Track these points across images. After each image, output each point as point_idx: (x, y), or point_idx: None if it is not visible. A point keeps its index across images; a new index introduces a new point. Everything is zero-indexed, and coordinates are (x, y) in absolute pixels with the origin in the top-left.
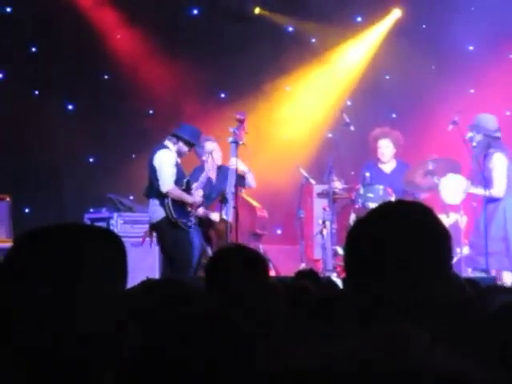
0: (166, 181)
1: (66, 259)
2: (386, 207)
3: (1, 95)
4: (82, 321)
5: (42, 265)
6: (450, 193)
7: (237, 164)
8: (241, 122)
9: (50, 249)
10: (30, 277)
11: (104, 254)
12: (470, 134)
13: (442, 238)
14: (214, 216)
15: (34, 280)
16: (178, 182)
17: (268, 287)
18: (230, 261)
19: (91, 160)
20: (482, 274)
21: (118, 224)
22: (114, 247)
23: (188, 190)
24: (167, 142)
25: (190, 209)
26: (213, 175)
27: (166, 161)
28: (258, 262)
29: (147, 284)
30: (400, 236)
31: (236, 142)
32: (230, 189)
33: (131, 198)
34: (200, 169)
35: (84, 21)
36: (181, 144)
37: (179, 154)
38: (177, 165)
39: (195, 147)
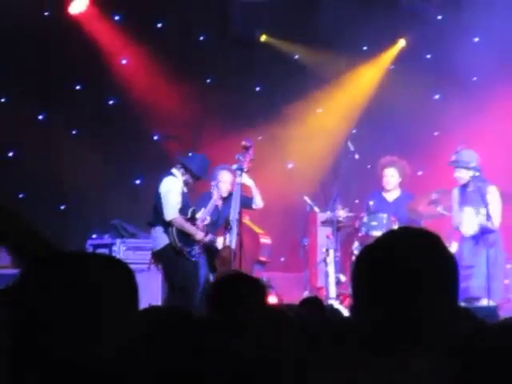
0: (171, 209)
1: (82, 290)
2: (393, 235)
3: (3, 119)
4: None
5: (53, 295)
6: (467, 224)
7: (241, 188)
8: (247, 148)
9: (64, 277)
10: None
11: (118, 285)
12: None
13: (451, 267)
14: (219, 242)
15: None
16: (183, 210)
17: (272, 314)
18: (228, 288)
19: (94, 187)
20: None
21: (121, 250)
22: (127, 277)
23: (193, 219)
24: (174, 170)
25: (192, 239)
26: (219, 202)
27: (171, 189)
28: (257, 289)
29: (150, 311)
30: (410, 264)
31: (241, 169)
32: (234, 215)
33: (135, 224)
34: (208, 195)
35: (91, 44)
36: (188, 175)
37: (185, 183)
38: (182, 193)
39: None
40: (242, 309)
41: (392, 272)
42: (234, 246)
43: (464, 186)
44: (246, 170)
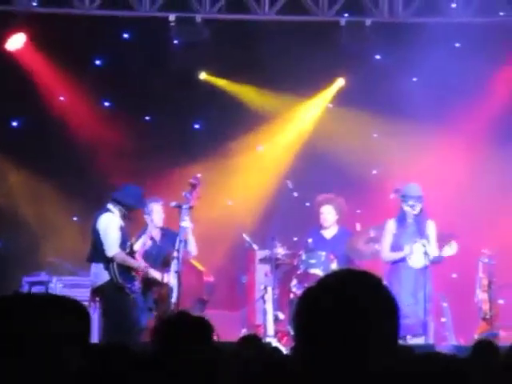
0: (112, 245)
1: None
2: (336, 278)
3: None
4: None
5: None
6: (417, 258)
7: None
8: (194, 186)
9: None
10: None
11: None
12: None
13: (393, 308)
14: (158, 275)
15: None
16: (122, 245)
17: (215, 354)
18: (175, 328)
19: (30, 222)
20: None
21: (57, 288)
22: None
23: (132, 253)
24: (110, 206)
25: (134, 273)
26: (156, 236)
27: (110, 225)
28: (204, 329)
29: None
30: (351, 309)
31: (179, 206)
32: (179, 251)
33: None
34: (144, 231)
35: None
36: (123, 208)
37: (123, 217)
38: (121, 228)
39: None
40: (184, 347)
41: (336, 314)
42: (172, 283)
43: (401, 218)
44: (185, 207)
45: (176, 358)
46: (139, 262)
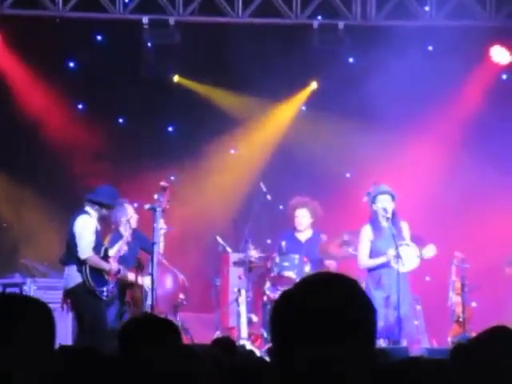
0: (85, 248)
1: None
2: (312, 281)
3: None
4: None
5: None
6: (406, 261)
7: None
8: (165, 189)
9: None
10: None
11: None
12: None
13: (370, 311)
14: (131, 276)
15: None
16: (96, 248)
17: (182, 354)
18: (138, 331)
19: (5, 225)
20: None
21: (31, 290)
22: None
23: (106, 257)
24: (88, 208)
25: (107, 277)
26: (128, 238)
27: (85, 227)
28: (168, 331)
29: (60, 351)
30: (327, 311)
31: (154, 209)
32: (153, 254)
33: (45, 264)
34: (117, 234)
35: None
36: (99, 208)
37: (101, 218)
38: (96, 232)
39: (111, 211)
40: (153, 349)
41: (313, 316)
42: (146, 285)
43: (375, 221)
44: (158, 209)
45: (138, 359)
46: (111, 265)
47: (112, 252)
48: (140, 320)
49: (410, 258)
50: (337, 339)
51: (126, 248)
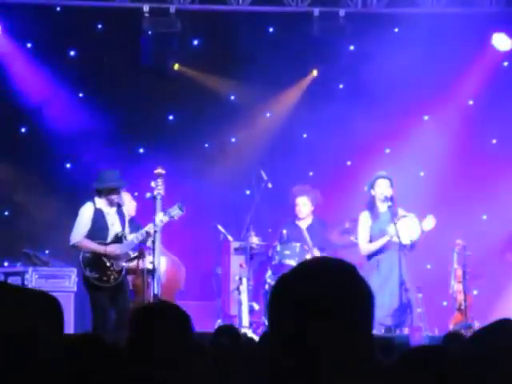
0: (74, 234)
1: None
2: (310, 266)
3: None
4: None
5: None
6: (405, 234)
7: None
8: (161, 176)
9: None
10: None
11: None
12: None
13: (368, 298)
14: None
15: None
16: (99, 233)
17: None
18: (152, 318)
19: (6, 213)
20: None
21: (33, 278)
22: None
23: (116, 242)
24: (95, 197)
25: (108, 264)
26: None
27: (80, 214)
28: (182, 319)
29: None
30: (325, 297)
31: (154, 197)
32: (154, 242)
33: (47, 252)
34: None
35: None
36: (103, 194)
37: (110, 203)
38: (97, 217)
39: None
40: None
41: (310, 301)
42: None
43: (372, 207)
44: (159, 197)
45: (151, 346)
46: (106, 247)
47: (130, 237)
48: (152, 307)
49: (410, 229)
50: (333, 326)
51: (140, 238)
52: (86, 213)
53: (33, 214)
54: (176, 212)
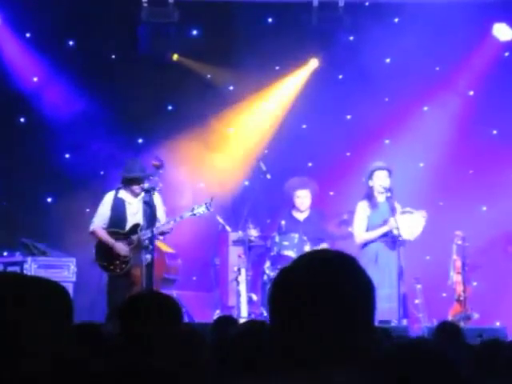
0: (94, 221)
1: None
2: (311, 258)
3: None
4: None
5: None
6: (408, 229)
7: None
8: (158, 167)
9: None
10: None
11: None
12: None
13: (369, 290)
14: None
15: None
16: (118, 224)
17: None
18: (142, 307)
19: (4, 203)
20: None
21: (32, 268)
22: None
23: (131, 233)
24: (120, 185)
25: (117, 253)
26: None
27: (102, 201)
28: (171, 308)
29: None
30: (326, 289)
31: (153, 189)
32: (145, 233)
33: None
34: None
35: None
36: (127, 184)
37: (133, 193)
38: (117, 205)
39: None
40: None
41: (312, 293)
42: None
43: (370, 197)
44: (157, 188)
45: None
46: (117, 244)
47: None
48: (143, 297)
49: (414, 225)
50: (334, 316)
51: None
52: (105, 201)
53: (31, 203)
54: (201, 209)
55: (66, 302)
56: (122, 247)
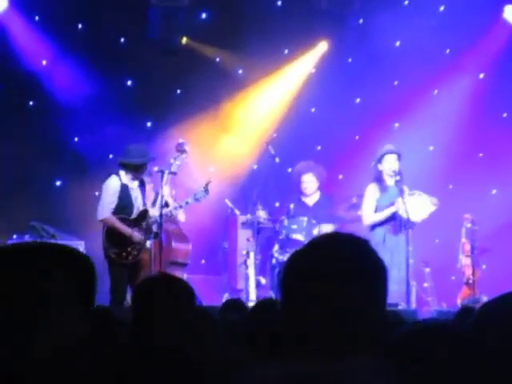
0: (102, 209)
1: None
2: (324, 240)
3: None
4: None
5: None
6: (417, 211)
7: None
8: (182, 152)
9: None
10: None
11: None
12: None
13: (381, 272)
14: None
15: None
16: (124, 210)
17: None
18: (153, 290)
19: (13, 187)
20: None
21: None
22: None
23: (140, 219)
24: (120, 170)
25: (127, 241)
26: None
27: (107, 188)
28: (183, 290)
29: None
30: (339, 271)
31: (162, 172)
32: (161, 216)
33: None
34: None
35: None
36: (130, 169)
37: (135, 177)
38: (123, 192)
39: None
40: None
41: (325, 276)
42: (152, 248)
43: (380, 180)
44: (167, 172)
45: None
46: (132, 231)
47: (152, 212)
48: (154, 280)
49: (422, 207)
50: (347, 299)
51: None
52: (112, 188)
53: (40, 186)
54: (201, 195)
55: (92, 278)
56: (137, 235)
